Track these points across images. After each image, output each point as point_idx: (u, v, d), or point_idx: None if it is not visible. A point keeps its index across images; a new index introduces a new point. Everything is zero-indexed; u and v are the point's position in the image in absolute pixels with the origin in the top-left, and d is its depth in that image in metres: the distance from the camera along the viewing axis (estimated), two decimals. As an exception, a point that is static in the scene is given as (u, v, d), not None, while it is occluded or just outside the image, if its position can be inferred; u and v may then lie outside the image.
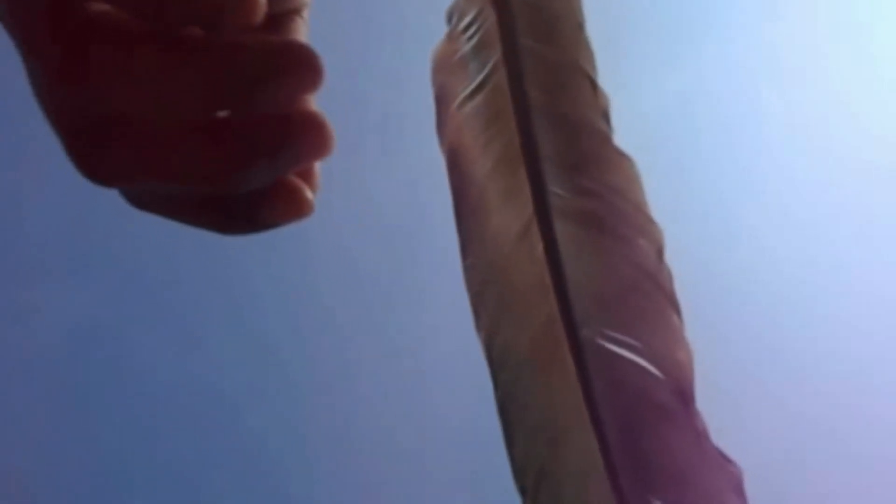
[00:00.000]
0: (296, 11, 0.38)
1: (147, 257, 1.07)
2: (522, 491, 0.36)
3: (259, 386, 1.10)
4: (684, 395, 0.36)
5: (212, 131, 0.32)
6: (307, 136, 0.33)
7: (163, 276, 1.08)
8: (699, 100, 1.17)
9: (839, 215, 1.18)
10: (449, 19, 0.38)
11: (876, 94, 1.19)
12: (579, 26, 0.37)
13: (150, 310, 1.08)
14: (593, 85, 0.36)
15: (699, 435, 0.36)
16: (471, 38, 0.37)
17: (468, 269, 0.36)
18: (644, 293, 0.36)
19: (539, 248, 0.35)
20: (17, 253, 1.05)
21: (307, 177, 0.35)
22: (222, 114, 0.33)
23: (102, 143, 0.32)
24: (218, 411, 1.09)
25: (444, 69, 0.37)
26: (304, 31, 0.37)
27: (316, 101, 0.36)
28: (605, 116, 0.36)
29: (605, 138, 0.36)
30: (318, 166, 0.36)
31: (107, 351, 1.06)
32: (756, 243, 1.17)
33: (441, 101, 0.37)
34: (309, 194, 0.35)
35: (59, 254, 1.06)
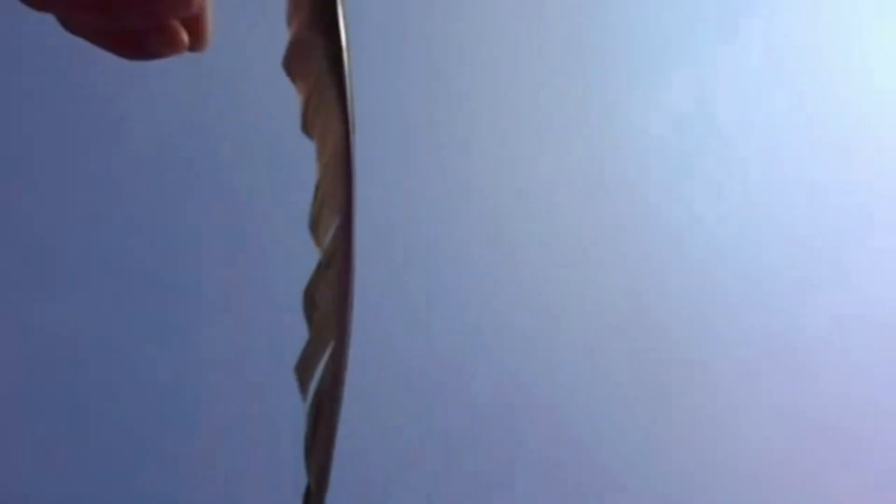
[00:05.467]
0: None
1: (144, 263, 1.07)
2: None
3: (258, 392, 1.10)
4: None
5: None
6: None
7: (158, 286, 1.08)
8: (698, 106, 1.16)
9: (846, 216, 1.18)
10: None
11: (882, 95, 1.18)
12: None
13: (147, 317, 1.08)
14: None
15: None
16: None
17: None
18: None
19: None
20: (13, 263, 1.05)
21: (195, 28, 0.48)
22: None
23: None
24: (218, 418, 1.09)
25: None
26: None
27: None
28: None
29: None
30: (209, 24, 0.49)
31: (103, 358, 1.07)
32: (756, 242, 1.17)
33: None
34: (183, 35, 0.47)
35: (55, 262, 1.06)
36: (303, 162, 1.08)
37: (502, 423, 1.11)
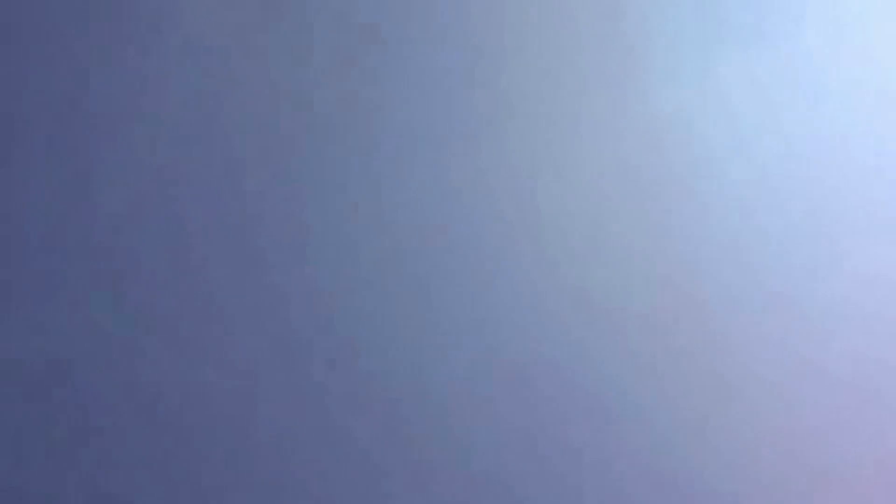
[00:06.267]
0: None
1: (145, 266, 1.07)
2: None
3: (261, 394, 1.10)
4: None
5: None
6: None
7: (162, 287, 1.08)
8: (716, 104, 1.17)
9: (857, 222, 1.18)
10: None
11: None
12: None
13: (151, 319, 1.08)
14: None
15: None
16: None
17: None
18: None
19: None
20: (11, 266, 1.05)
21: None
22: None
23: None
24: (219, 420, 1.09)
25: None
26: None
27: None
28: None
29: None
30: None
31: (106, 362, 1.07)
32: (764, 243, 1.17)
33: None
34: None
35: (54, 266, 1.06)
36: (305, 161, 1.08)
37: (539, 404, 1.12)
